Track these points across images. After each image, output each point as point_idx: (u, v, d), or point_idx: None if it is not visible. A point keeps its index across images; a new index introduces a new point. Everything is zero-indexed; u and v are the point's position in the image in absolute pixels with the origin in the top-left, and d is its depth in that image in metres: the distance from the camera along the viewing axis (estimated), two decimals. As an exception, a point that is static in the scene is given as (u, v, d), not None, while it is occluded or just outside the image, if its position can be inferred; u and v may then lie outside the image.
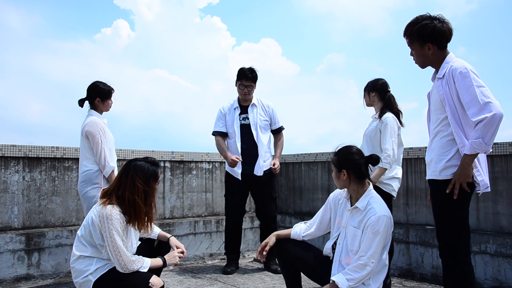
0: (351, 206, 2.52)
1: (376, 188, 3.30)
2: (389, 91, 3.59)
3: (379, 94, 3.58)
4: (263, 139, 4.25)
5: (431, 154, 2.39)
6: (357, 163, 2.48)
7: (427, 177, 2.41)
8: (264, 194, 4.29)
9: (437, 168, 2.31)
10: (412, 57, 2.45)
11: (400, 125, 3.50)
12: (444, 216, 2.30)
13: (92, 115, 3.53)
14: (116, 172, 3.44)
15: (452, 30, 2.35)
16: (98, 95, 3.56)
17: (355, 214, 2.47)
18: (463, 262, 2.27)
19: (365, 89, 3.68)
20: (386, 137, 3.36)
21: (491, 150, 2.23)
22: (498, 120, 2.11)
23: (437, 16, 2.34)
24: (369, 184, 2.53)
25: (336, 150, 2.58)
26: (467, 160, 2.20)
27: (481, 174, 2.28)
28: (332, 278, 2.36)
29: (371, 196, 2.47)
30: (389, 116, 3.44)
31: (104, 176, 3.42)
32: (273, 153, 4.40)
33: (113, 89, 3.64)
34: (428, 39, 2.32)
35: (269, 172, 4.26)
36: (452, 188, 2.24)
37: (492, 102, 2.12)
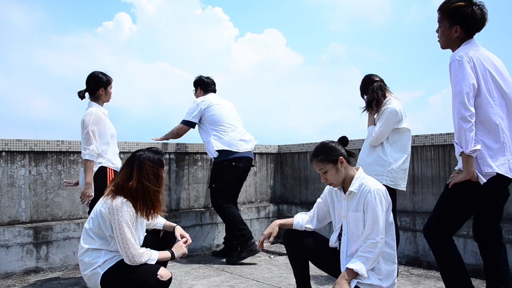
0: (345, 193, 2.54)
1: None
2: (377, 81, 3.52)
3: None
4: (200, 134, 4.47)
5: None
6: (341, 149, 2.55)
7: (458, 168, 2.33)
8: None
9: None
10: (437, 34, 2.40)
11: (402, 115, 3.44)
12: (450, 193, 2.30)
13: (92, 106, 3.49)
14: (121, 163, 3.44)
15: (486, 21, 2.29)
16: (102, 85, 3.54)
17: (352, 199, 2.49)
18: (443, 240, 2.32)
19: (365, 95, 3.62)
20: (379, 122, 3.40)
21: (468, 150, 2.14)
22: (464, 128, 2.12)
23: (478, 2, 2.28)
24: (357, 169, 2.57)
25: (316, 151, 2.56)
26: (463, 157, 2.19)
27: (484, 163, 2.22)
28: (348, 266, 2.34)
29: (362, 177, 2.51)
30: (388, 106, 3.42)
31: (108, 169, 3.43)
32: (214, 146, 4.28)
33: (112, 79, 3.63)
34: (458, 21, 2.27)
35: (213, 162, 4.39)
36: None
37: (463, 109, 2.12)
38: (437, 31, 2.40)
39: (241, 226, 4.21)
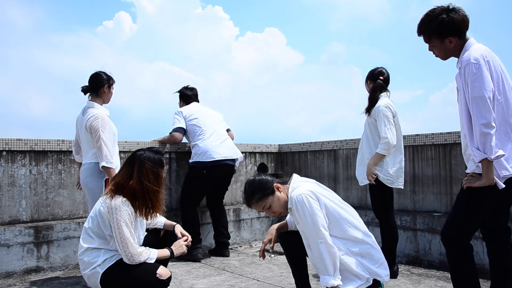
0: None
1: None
2: (380, 79, 3.56)
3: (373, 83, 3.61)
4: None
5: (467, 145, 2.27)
6: (269, 176, 2.53)
7: (469, 170, 2.27)
8: None
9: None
10: (432, 52, 2.35)
11: (395, 111, 3.47)
12: (465, 198, 2.24)
13: (94, 107, 3.45)
14: (119, 167, 3.42)
15: (468, 17, 2.25)
16: (106, 82, 3.53)
17: (293, 214, 2.46)
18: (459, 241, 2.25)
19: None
20: (381, 126, 3.39)
21: (493, 156, 2.05)
22: (489, 133, 2.03)
23: (451, 7, 2.24)
24: (288, 187, 2.54)
25: (249, 194, 2.52)
26: (483, 164, 2.10)
27: (500, 167, 2.14)
28: (321, 285, 2.36)
29: (291, 191, 2.46)
30: (380, 104, 3.44)
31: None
32: (192, 153, 4.48)
33: (114, 80, 3.63)
34: (448, 33, 2.22)
35: (189, 165, 4.52)
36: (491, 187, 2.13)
37: (486, 120, 2.03)
38: (430, 50, 2.35)
39: (192, 228, 4.22)
